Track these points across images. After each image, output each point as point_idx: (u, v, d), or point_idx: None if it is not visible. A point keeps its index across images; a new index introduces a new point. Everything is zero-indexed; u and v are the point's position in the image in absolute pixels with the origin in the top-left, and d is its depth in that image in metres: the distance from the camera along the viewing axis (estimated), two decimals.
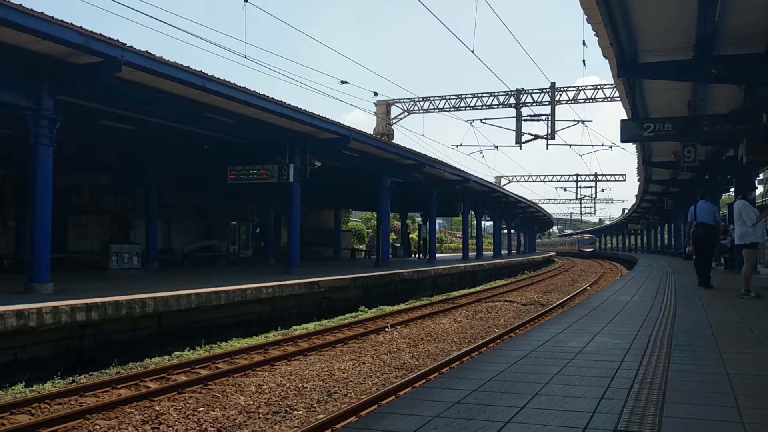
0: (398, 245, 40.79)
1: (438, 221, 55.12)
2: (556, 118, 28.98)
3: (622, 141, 13.99)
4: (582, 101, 31.40)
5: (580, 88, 31.96)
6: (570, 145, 55.81)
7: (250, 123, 15.76)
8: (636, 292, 11.68)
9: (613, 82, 20.39)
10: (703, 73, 11.58)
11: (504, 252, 53.19)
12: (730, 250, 18.26)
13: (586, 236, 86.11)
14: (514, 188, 61.40)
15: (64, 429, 6.25)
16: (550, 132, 28.65)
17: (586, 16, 9.77)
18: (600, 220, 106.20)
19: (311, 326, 12.97)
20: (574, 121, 31.69)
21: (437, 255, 37.29)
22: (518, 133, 29.19)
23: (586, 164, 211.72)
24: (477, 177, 31.09)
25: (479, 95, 32.67)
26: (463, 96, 33.05)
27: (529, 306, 17.79)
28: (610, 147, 37.87)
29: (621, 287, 13.36)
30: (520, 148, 30.06)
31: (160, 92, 12.75)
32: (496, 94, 32.22)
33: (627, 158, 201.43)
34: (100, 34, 10.14)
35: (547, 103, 30.20)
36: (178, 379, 8.18)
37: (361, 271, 19.16)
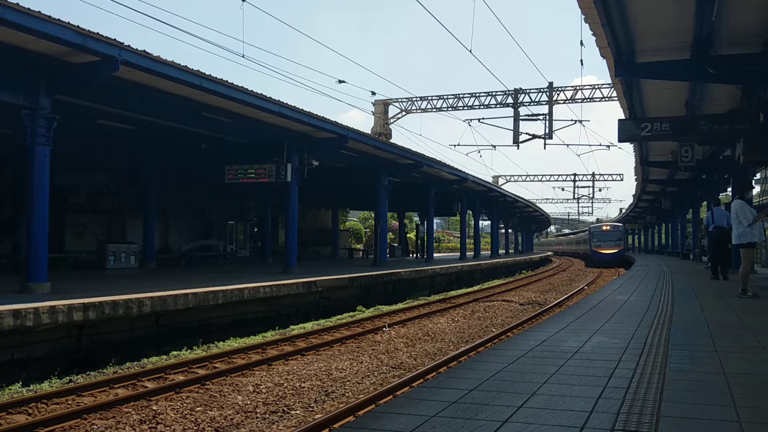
0: (396, 245, 40.77)
1: (436, 221, 55.16)
2: (553, 118, 29.06)
3: (620, 140, 14.02)
4: (579, 101, 31.44)
5: (577, 87, 32.00)
6: (567, 145, 56.03)
7: (247, 122, 15.74)
8: (633, 292, 11.69)
9: (610, 82, 20.40)
10: (701, 72, 11.63)
11: (501, 251, 53.21)
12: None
13: (605, 226, 48.67)
14: (511, 188, 60.83)
15: (62, 429, 6.24)
16: (547, 131, 28.68)
17: (583, 16, 9.80)
18: (597, 219, 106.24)
19: (309, 326, 12.96)
20: (572, 120, 31.72)
21: (435, 254, 37.32)
22: (516, 132, 29.19)
23: (583, 164, 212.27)
24: (475, 176, 31.08)
25: (477, 95, 32.67)
26: (461, 95, 33.05)
27: (526, 305, 17.79)
28: (608, 147, 37.89)
29: (618, 287, 13.36)
30: (518, 148, 30.17)
31: (158, 91, 12.74)
32: (494, 93, 32.23)
33: (624, 158, 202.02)
34: (98, 33, 10.11)
35: (544, 103, 30.22)
36: (175, 379, 8.17)
37: (358, 270, 19.15)
